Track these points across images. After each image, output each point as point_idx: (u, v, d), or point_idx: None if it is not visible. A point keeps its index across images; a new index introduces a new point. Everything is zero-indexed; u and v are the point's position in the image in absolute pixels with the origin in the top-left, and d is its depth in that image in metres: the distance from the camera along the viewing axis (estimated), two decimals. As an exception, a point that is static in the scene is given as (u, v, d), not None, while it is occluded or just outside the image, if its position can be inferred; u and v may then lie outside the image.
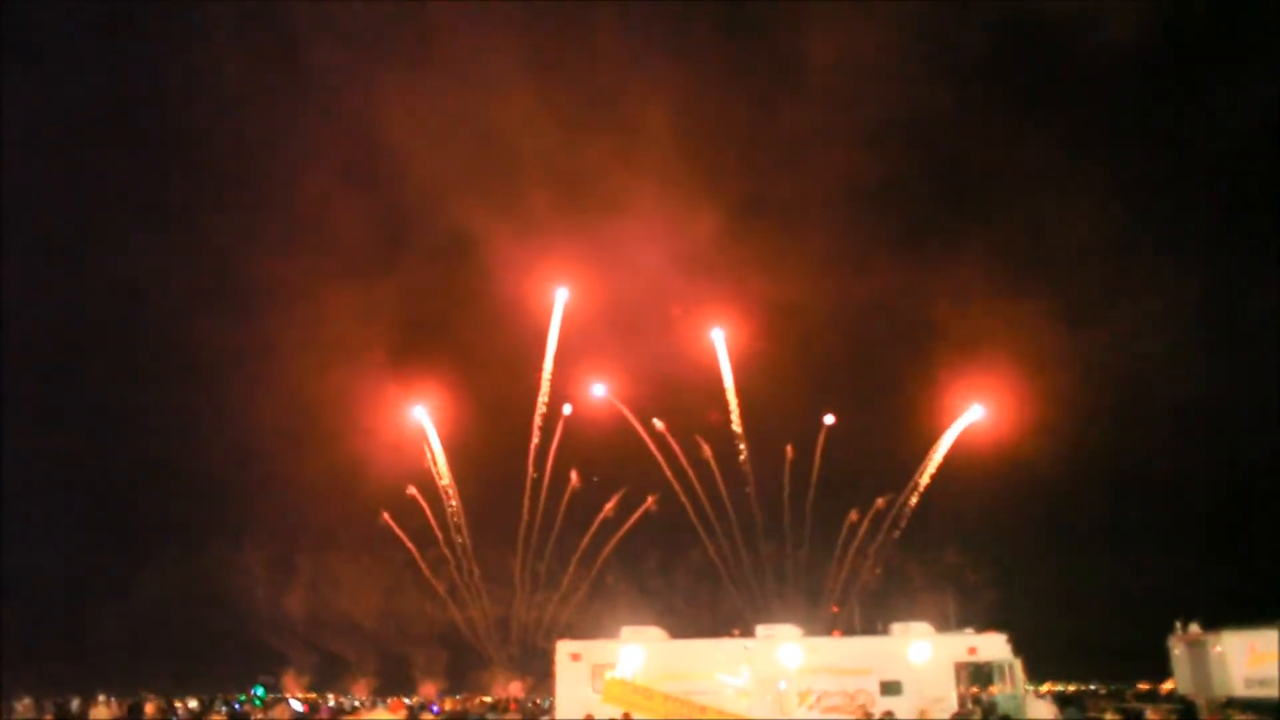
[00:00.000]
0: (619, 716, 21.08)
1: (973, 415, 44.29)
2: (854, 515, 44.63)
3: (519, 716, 21.65)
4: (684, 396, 48.79)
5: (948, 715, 22.16)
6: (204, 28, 52.36)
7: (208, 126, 54.54)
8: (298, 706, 26.29)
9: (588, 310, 48.03)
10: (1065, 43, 53.18)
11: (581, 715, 21.47)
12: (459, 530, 46.32)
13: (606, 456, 46.76)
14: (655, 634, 26.02)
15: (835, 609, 44.30)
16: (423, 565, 45.72)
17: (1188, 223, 50.42)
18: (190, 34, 52.32)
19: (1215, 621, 25.76)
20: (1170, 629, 26.67)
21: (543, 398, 45.82)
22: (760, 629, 25.86)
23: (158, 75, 54.97)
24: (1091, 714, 24.68)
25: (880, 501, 44.89)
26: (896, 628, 25.31)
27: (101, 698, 25.83)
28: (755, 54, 57.05)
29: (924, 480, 45.09)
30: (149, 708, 24.19)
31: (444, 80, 52.42)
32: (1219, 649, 24.57)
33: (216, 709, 22.17)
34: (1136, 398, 47.10)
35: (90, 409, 50.73)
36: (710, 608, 45.10)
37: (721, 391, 46.76)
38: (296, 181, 53.67)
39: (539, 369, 46.78)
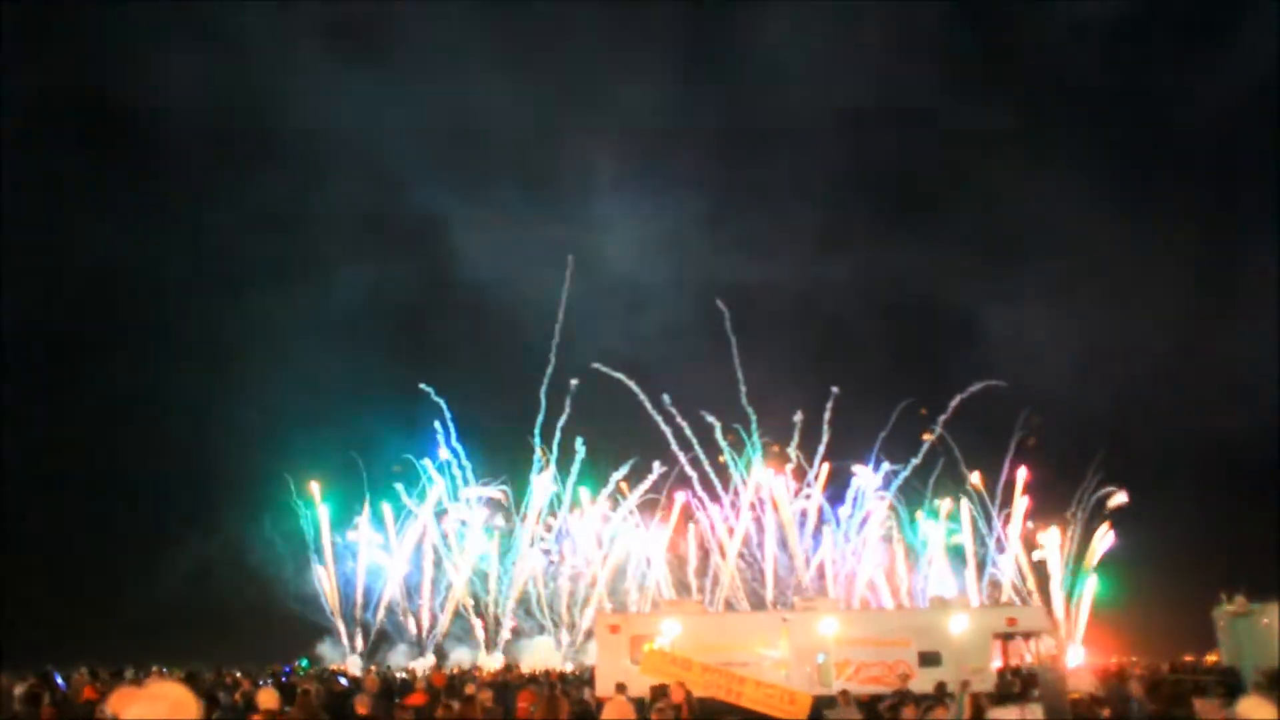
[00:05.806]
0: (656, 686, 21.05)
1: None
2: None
3: (559, 686, 21.75)
4: (685, 372, 49.14)
5: (988, 686, 21.96)
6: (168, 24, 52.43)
7: (182, 112, 55.12)
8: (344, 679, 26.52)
9: (580, 291, 48.33)
10: (1037, 18, 52.45)
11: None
12: (471, 505, 46.70)
13: (613, 431, 47.21)
14: (693, 607, 26.02)
15: None
16: (438, 539, 46.24)
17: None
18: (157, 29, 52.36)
19: (1261, 592, 25.33)
20: (1216, 600, 26.26)
21: (549, 370, 46.00)
22: (798, 601, 25.82)
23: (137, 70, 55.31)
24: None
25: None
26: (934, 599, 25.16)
27: (155, 669, 26.31)
28: (728, 42, 56.93)
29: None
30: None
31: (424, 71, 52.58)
32: (1266, 620, 24.15)
33: (264, 681, 22.24)
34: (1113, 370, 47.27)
35: (104, 393, 51.57)
36: (718, 581, 45.46)
37: (721, 366, 46.77)
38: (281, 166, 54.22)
39: (533, 348, 47.05)
